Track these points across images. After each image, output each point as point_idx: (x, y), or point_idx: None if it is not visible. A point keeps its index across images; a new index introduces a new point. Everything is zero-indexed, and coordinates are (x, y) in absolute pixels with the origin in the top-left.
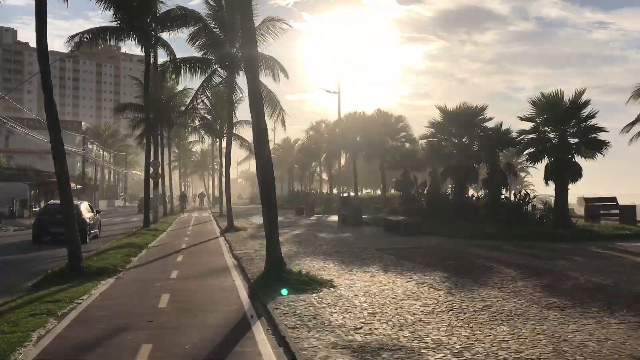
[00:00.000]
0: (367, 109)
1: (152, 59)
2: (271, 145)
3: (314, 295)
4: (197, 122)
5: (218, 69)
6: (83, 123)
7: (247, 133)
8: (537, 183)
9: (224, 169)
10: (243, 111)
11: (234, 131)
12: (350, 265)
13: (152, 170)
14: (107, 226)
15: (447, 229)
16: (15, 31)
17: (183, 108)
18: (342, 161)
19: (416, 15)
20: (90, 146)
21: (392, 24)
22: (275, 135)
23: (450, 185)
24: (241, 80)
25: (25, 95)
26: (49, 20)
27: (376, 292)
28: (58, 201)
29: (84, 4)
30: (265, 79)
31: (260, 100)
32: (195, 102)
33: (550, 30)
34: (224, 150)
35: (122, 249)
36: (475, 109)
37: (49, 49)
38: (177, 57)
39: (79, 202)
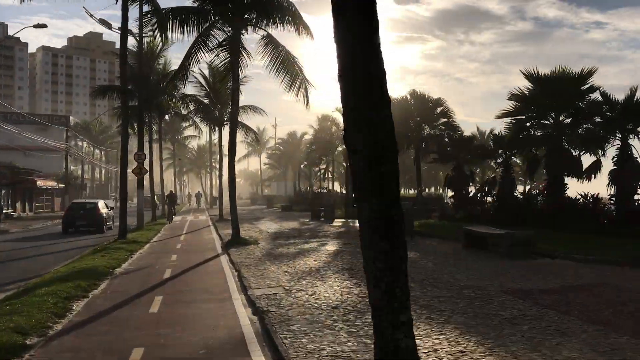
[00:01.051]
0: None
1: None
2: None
3: None
4: (191, 108)
5: (218, 23)
6: (72, 118)
7: (251, 122)
8: None
9: (224, 162)
10: (248, 94)
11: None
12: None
13: (136, 164)
14: None
15: (572, 247)
16: (6, 25)
17: (181, 93)
18: None
19: (413, 15)
20: (80, 143)
21: (389, 24)
22: (276, 132)
23: (526, 182)
24: (250, 41)
25: (16, 92)
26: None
27: None
28: (81, 200)
29: None
30: (282, 36)
31: None
32: (188, 66)
33: (547, 30)
34: (225, 143)
35: (65, 283)
36: (581, 74)
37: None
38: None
39: (96, 201)
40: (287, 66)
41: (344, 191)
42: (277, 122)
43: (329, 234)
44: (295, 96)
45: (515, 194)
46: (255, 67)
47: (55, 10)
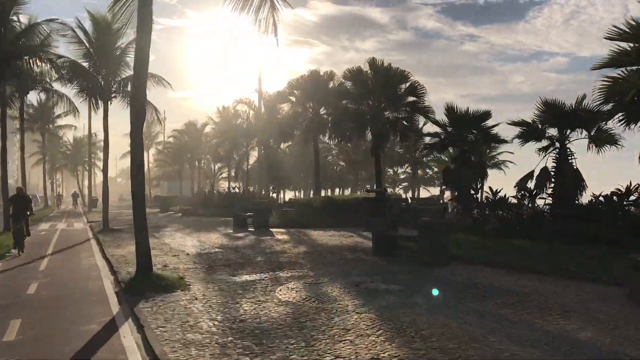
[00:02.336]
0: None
1: None
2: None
3: None
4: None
5: None
6: None
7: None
8: None
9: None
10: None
11: (127, 89)
12: None
13: None
14: None
15: None
16: None
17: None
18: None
19: (301, 19)
20: None
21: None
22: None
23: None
24: None
25: None
26: None
27: None
28: None
29: None
30: None
31: None
32: None
33: (426, 41)
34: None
35: None
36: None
37: None
38: None
39: None
40: None
41: (252, 190)
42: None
43: (295, 258)
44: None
45: (579, 194)
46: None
47: None
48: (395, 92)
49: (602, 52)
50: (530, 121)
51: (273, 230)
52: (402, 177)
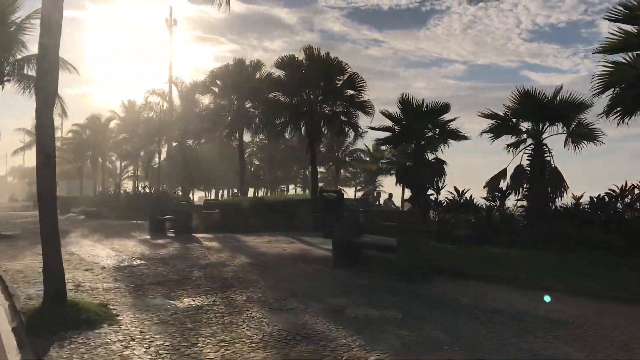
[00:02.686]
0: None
1: None
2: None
3: None
4: None
5: None
6: None
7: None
8: None
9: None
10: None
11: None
12: None
13: None
14: None
15: None
16: None
17: None
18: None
19: (206, 16)
20: None
21: (182, 21)
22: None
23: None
24: None
25: None
26: None
27: None
28: None
29: None
30: None
31: None
32: None
33: (333, 43)
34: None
35: None
36: None
37: None
38: None
39: None
40: None
41: (166, 190)
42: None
43: (241, 272)
44: None
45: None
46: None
47: None
48: (333, 84)
49: (497, 60)
50: (502, 114)
51: (198, 235)
52: (319, 176)
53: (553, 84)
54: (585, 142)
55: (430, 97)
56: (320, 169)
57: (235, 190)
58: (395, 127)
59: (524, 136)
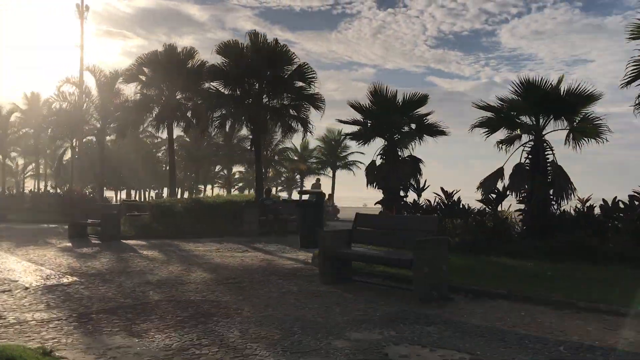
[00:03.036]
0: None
1: None
2: None
3: None
4: None
5: None
6: None
7: None
8: None
9: None
10: None
11: None
12: None
13: None
14: None
15: None
16: None
17: None
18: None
19: (114, 10)
20: None
21: (89, 14)
22: None
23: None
24: None
25: None
26: None
27: None
28: None
29: None
30: None
31: None
32: None
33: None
34: None
35: None
36: None
37: None
38: None
39: None
40: None
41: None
42: None
43: (210, 293)
44: None
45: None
46: None
47: None
48: (281, 74)
49: (405, 65)
50: (495, 106)
51: (128, 242)
52: (236, 176)
53: (455, 90)
54: (585, 139)
55: (340, 100)
56: (240, 169)
57: (158, 191)
58: (368, 122)
59: (519, 131)
